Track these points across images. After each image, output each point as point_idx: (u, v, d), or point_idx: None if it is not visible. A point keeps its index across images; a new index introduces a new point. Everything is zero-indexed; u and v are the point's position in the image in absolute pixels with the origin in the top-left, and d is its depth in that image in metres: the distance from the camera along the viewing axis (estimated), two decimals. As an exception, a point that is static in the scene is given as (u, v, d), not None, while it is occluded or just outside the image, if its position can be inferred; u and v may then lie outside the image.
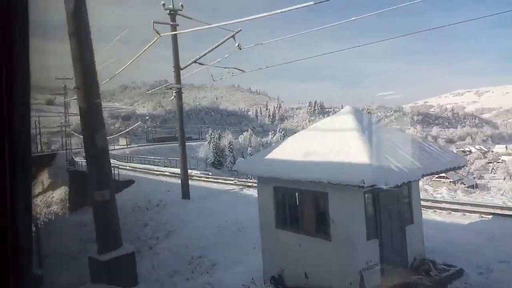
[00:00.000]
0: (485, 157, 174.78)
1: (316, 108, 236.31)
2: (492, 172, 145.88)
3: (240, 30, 14.31)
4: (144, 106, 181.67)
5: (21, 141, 1.53)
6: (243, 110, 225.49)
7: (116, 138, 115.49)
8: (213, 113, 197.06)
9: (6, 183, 1.49)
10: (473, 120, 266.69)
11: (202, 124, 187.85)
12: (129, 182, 28.63)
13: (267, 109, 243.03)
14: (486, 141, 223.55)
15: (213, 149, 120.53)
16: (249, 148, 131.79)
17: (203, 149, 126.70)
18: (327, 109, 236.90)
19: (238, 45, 14.40)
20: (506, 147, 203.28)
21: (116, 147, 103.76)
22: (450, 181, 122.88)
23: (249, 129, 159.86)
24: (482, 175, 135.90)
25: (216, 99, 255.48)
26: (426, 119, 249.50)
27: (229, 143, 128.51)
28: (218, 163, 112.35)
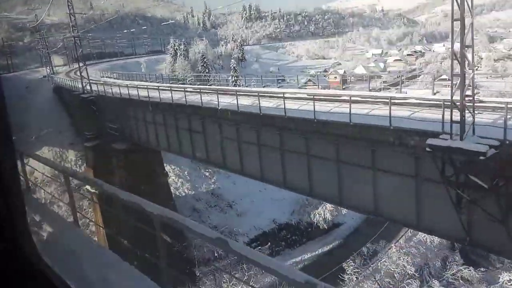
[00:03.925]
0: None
1: (252, 12, 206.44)
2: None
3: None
4: (49, 15, 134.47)
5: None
6: (168, 18, 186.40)
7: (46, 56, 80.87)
8: (140, 21, 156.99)
9: None
10: (402, 20, 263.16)
11: (131, 35, 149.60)
12: None
13: (193, 16, 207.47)
14: (422, 40, 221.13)
15: (189, 64, 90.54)
16: (232, 60, 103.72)
17: (166, 64, 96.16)
18: (264, 13, 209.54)
19: None
20: (444, 45, 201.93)
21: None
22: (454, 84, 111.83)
23: (203, 38, 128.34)
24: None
25: (123, 6, 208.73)
26: (361, 20, 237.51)
27: (202, 55, 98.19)
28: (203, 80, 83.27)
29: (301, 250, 36.91)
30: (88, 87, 27.90)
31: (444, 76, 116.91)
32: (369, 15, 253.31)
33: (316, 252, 36.94)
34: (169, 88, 21.81)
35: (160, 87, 23.25)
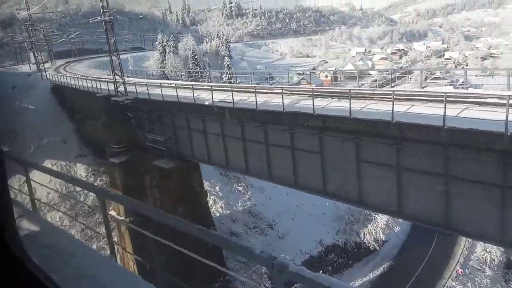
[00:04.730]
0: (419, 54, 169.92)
1: (232, 9, 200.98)
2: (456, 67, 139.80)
3: None
4: (19, 10, 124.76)
5: None
6: (146, 14, 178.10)
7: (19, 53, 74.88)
8: (118, 16, 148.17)
9: None
10: (381, 19, 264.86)
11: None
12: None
13: (171, 12, 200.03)
14: (402, 39, 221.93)
15: (182, 61, 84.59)
16: (226, 57, 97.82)
17: (154, 62, 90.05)
18: (245, 10, 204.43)
19: None
20: (423, 43, 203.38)
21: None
22: (448, 82, 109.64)
23: (189, 35, 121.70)
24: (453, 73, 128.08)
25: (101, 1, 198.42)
26: (341, 18, 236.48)
27: (193, 52, 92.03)
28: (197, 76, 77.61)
29: (349, 274, 32.03)
30: (121, 88, 21.69)
31: (438, 74, 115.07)
32: (348, 13, 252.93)
33: (368, 277, 32.15)
34: (230, 89, 16.43)
35: (217, 87, 17.74)
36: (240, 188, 33.47)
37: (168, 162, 20.19)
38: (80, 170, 28.95)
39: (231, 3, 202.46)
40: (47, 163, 28.34)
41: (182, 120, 19.84)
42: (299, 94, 16.46)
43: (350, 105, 12.15)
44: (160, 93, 19.81)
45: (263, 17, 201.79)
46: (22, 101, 33.60)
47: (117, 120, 21.56)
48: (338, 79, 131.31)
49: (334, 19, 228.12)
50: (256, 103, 14.80)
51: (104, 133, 22.91)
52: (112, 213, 23.87)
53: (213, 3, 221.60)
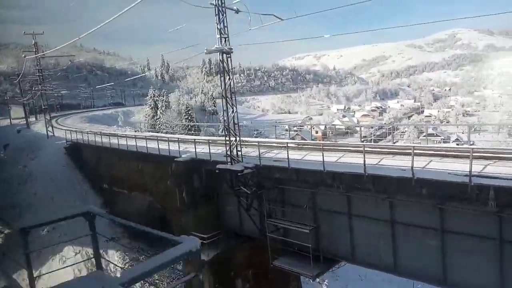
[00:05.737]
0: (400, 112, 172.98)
1: (212, 67, 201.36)
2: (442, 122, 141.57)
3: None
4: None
5: None
6: (126, 70, 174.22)
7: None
8: (98, 72, 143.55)
9: None
10: (353, 78, 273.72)
11: (87, 86, 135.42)
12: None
13: (149, 69, 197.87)
14: (375, 97, 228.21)
15: (179, 115, 78.60)
16: (224, 111, 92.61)
17: (144, 117, 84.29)
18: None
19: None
20: (397, 101, 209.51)
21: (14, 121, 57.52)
22: (442, 139, 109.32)
23: (177, 90, 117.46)
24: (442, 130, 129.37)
25: (73, 60, 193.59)
26: (316, 77, 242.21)
27: (187, 107, 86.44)
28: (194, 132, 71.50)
29: None
30: (234, 151, 14.71)
31: (431, 131, 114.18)
32: (322, 72, 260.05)
33: None
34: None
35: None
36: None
37: (314, 268, 13.02)
38: (113, 259, 21.05)
39: (210, 61, 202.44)
40: (68, 251, 20.42)
41: (340, 201, 12.92)
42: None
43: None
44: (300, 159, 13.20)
45: (242, 75, 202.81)
46: (27, 164, 25.88)
47: (209, 198, 14.67)
48: (327, 134, 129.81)
49: (310, 77, 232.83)
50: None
51: (186, 216, 15.74)
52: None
53: (191, 61, 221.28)
